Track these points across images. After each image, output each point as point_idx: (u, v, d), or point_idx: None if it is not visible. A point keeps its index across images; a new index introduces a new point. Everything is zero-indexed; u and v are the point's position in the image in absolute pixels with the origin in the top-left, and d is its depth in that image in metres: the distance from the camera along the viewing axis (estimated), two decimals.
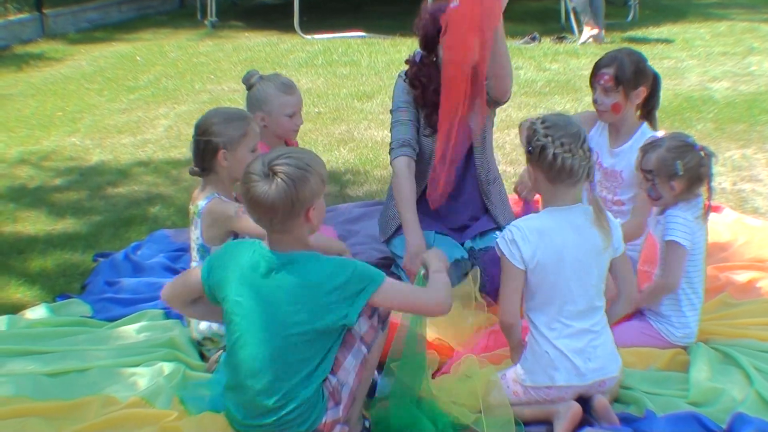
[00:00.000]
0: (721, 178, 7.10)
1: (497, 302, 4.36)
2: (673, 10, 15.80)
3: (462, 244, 5.51)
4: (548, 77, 11.23)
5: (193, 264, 4.80)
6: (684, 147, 4.54)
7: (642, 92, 5.23)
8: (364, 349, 3.92)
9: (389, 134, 5.58)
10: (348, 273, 3.72)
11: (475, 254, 5.38)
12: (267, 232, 3.79)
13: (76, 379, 4.52)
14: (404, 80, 5.56)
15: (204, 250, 4.64)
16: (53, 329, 5.05)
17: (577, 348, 4.03)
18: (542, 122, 4.03)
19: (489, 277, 4.96)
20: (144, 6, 17.08)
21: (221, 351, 4.58)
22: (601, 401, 4.07)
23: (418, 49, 5.58)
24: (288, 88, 5.33)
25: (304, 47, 13.52)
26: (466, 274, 4.84)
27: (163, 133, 9.08)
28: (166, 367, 4.54)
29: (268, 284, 3.75)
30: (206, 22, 15.52)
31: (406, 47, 12.83)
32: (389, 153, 5.50)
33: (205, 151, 4.73)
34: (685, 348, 4.68)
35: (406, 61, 5.61)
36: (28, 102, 10.45)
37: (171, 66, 12.51)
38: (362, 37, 14.08)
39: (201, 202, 4.69)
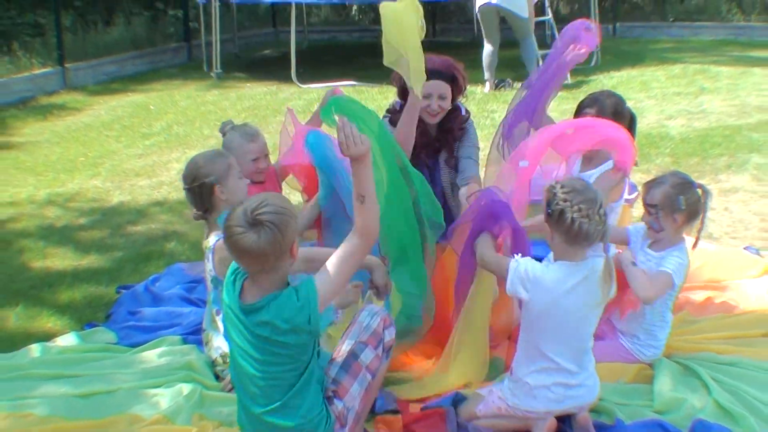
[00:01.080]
0: None
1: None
2: (632, 55, 15.88)
3: None
4: None
5: (209, 293, 4.86)
6: (685, 184, 4.59)
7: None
8: (369, 376, 3.94)
9: None
10: (292, 304, 3.62)
11: None
12: (254, 275, 3.70)
13: (104, 400, 4.54)
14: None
15: (217, 281, 4.66)
16: (82, 355, 5.09)
17: (557, 382, 4.02)
18: (561, 186, 3.97)
19: None
20: (156, 60, 17.10)
21: None
22: (583, 416, 4.10)
23: (397, 99, 5.69)
24: (251, 136, 5.39)
25: (302, 95, 13.52)
26: None
27: (176, 176, 9.05)
28: (185, 388, 4.57)
29: (246, 323, 3.70)
30: (212, 73, 15.53)
31: (392, 94, 12.65)
32: None
33: (203, 193, 4.76)
34: (650, 364, 4.72)
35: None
36: (53, 148, 10.44)
37: (181, 114, 12.49)
38: (353, 85, 14.07)
39: (211, 240, 4.72)
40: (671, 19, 20.34)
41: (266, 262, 3.61)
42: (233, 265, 3.80)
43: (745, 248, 6.41)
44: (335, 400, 3.85)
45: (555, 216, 3.92)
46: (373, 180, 3.82)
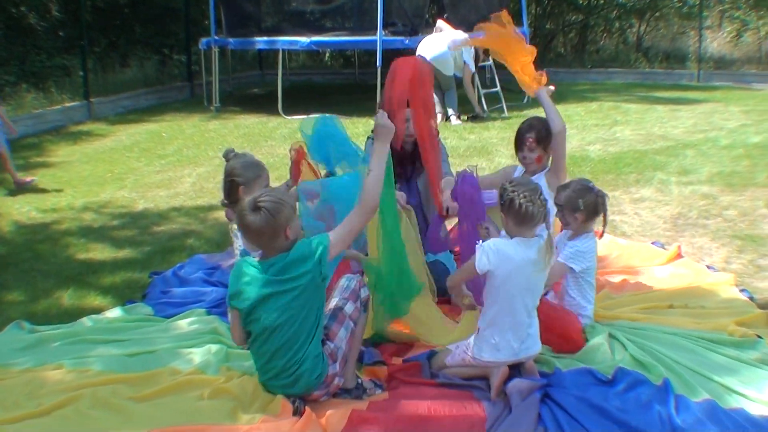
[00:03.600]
0: None
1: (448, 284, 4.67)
2: (557, 94, 15.81)
3: None
4: (467, 144, 11.50)
5: None
6: (585, 189, 4.84)
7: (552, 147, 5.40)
8: (351, 324, 4.25)
9: None
10: (306, 244, 4.00)
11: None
12: (261, 248, 4.07)
13: (147, 358, 4.72)
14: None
15: (245, 254, 4.82)
16: (126, 324, 5.28)
17: (515, 336, 4.25)
18: (510, 182, 4.25)
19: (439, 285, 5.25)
20: (164, 96, 17.21)
21: None
22: (530, 364, 4.33)
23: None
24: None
25: (287, 125, 13.66)
26: None
27: (189, 188, 9.25)
28: (213, 347, 4.75)
29: (267, 277, 4.01)
30: (212, 107, 15.64)
31: (362, 124, 13.07)
32: None
33: (231, 188, 5.04)
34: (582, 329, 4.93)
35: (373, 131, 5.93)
36: (84, 167, 10.54)
37: (189, 139, 12.61)
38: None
39: (234, 224, 4.97)
40: (589, 67, 20.74)
41: (263, 238, 3.98)
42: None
43: (652, 243, 6.69)
44: (327, 342, 4.15)
45: (507, 204, 4.19)
46: (384, 161, 4.16)
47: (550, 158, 5.43)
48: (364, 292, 4.35)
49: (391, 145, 5.67)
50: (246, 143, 12.03)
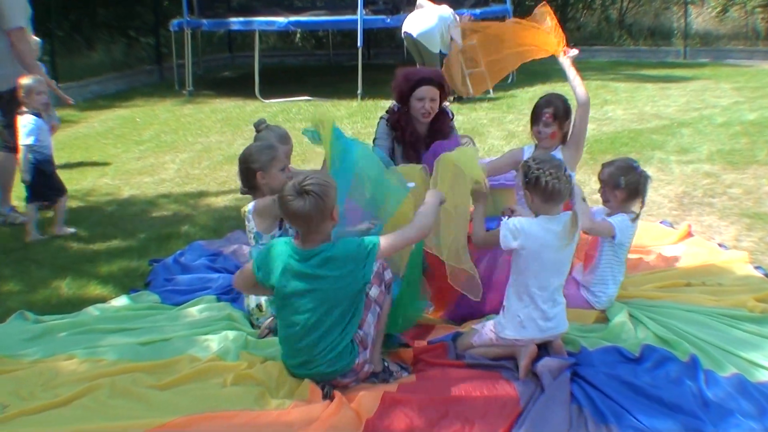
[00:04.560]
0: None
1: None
2: (542, 74, 16.19)
3: None
4: (456, 125, 11.54)
5: (251, 246, 5.16)
6: (629, 168, 4.99)
7: (569, 123, 5.55)
8: (377, 308, 4.33)
9: None
10: (356, 244, 4.07)
11: None
12: (303, 234, 4.10)
13: (163, 346, 4.78)
14: (386, 122, 5.99)
15: (258, 237, 4.99)
16: (135, 312, 5.34)
17: (541, 314, 4.38)
18: (533, 160, 4.36)
19: None
20: (133, 80, 17.20)
21: (269, 320, 4.96)
22: (558, 343, 4.46)
23: (395, 102, 6.04)
24: (283, 138, 5.63)
25: (265, 108, 13.71)
26: None
27: (174, 174, 9.30)
28: (230, 334, 4.82)
29: (305, 269, 4.08)
30: (184, 91, 15.65)
31: (343, 107, 13.21)
32: None
33: (248, 175, 5.12)
34: (603, 311, 5.09)
35: (387, 111, 6.06)
36: (60, 153, 10.26)
37: (165, 125, 12.63)
38: (309, 100, 14.35)
39: (249, 206, 5.08)
40: (571, 45, 20.83)
41: (311, 223, 4.01)
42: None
43: (660, 222, 6.88)
44: (357, 330, 4.24)
45: (532, 182, 4.30)
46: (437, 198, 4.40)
47: (568, 134, 5.55)
48: (387, 275, 4.43)
49: (403, 129, 5.85)
50: (226, 128, 12.11)
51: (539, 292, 4.38)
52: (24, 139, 6.90)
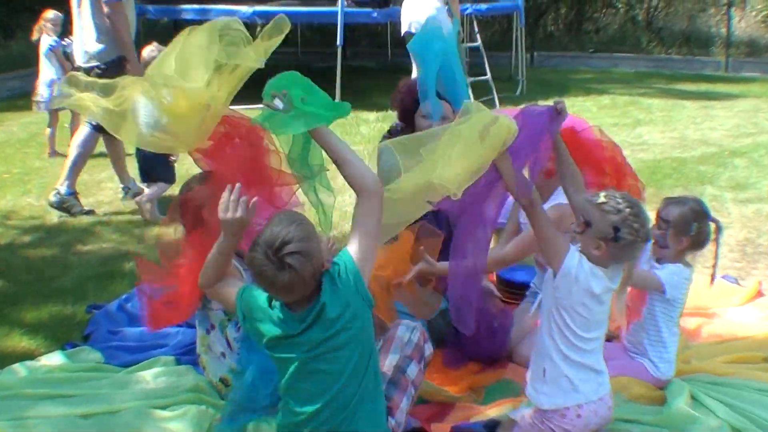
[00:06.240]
0: None
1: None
2: (557, 85, 16.34)
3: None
4: None
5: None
6: (702, 213, 4.87)
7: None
8: (413, 390, 4.11)
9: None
10: (334, 283, 3.68)
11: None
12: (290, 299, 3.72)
13: (109, 420, 4.56)
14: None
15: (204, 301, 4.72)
16: (72, 374, 5.10)
17: (591, 370, 4.14)
18: (631, 214, 3.97)
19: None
20: None
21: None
22: None
23: (397, 121, 5.87)
24: None
25: None
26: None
27: (113, 195, 9.11)
28: (192, 409, 4.58)
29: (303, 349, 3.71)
30: None
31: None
32: None
33: (184, 208, 4.71)
34: (664, 382, 4.92)
35: (388, 131, 5.90)
36: None
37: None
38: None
39: None
40: (590, 50, 20.94)
41: (306, 286, 3.65)
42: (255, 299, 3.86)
43: (722, 277, 6.72)
44: (388, 418, 3.95)
45: (622, 244, 3.98)
46: (338, 141, 3.93)
47: None
48: (428, 349, 4.24)
49: None
50: None
51: (586, 346, 4.15)
52: None
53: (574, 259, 4.05)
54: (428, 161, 4.06)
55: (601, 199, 4.04)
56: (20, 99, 15.02)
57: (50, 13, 11.56)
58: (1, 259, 7.17)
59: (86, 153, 8.75)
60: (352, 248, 3.79)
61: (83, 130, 8.75)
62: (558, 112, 4.24)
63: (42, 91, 11.38)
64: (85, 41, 8.55)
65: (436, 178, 4.04)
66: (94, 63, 8.41)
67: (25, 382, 5.00)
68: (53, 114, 11.31)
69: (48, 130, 11.28)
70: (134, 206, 8.57)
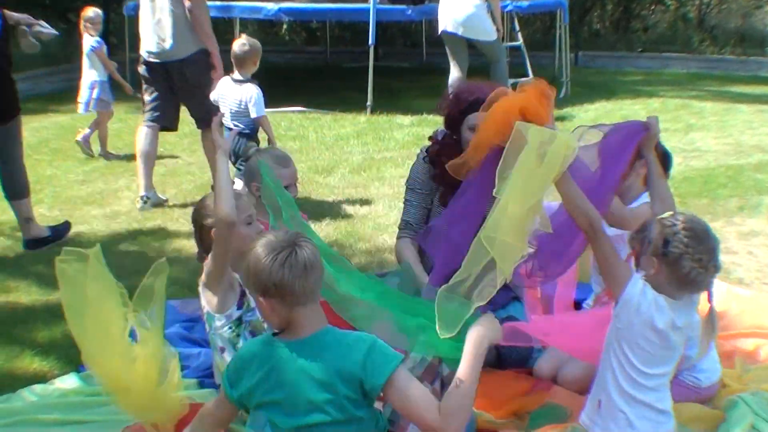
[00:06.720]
0: None
1: None
2: (604, 87, 16.23)
3: None
4: None
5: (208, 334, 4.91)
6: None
7: (644, 164, 5.21)
8: None
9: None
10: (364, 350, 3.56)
11: None
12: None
13: None
14: (424, 158, 5.74)
15: (211, 318, 4.77)
16: (88, 398, 5.11)
17: (651, 408, 4.10)
18: (684, 228, 3.97)
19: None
20: (72, 77, 16.78)
21: None
22: None
23: (441, 128, 5.78)
24: (283, 160, 5.49)
25: None
26: None
27: (131, 206, 9.11)
28: None
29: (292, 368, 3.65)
30: (140, 94, 15.42)
31: (349, 122, 13.02)
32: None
33: (202, 234, 4.85)
34: (712, 397, 4.88)
35: (429, 138, 5.79)
36: None
37: (116, 137, 12.42)
38: (303, 111, 14.12)
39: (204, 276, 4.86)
40: (639, 50, 20.85)
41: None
42: None
43: None
44: None
45: (671, 259, 3.96)
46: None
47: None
48: (445, 369, 4.17)
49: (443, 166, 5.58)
50: (195, 145, 11.78)
51: (647, 382, 4.10)
52: (260, 110, 8.93)
53: (636, 286, 4.02)
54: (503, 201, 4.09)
55: (665, 215, 4.07)
56: (30, 101, 15.01)
57: (90, 12, 11.71)
58: (11, 275, 7.17)
59: (151, 153, 9.37)
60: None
61: (141, 131, 9.41)
62: (645, 128, 4.28)
63: (83, 92, 11.74)
64: (163, 36, 9.01)
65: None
66: (173, 57, 8.99)
67: (37, 407, 5.01)
68: (101, 115, 11.77)
69: (86, 131, 11.77)
70: (154, 217, 8.55)
